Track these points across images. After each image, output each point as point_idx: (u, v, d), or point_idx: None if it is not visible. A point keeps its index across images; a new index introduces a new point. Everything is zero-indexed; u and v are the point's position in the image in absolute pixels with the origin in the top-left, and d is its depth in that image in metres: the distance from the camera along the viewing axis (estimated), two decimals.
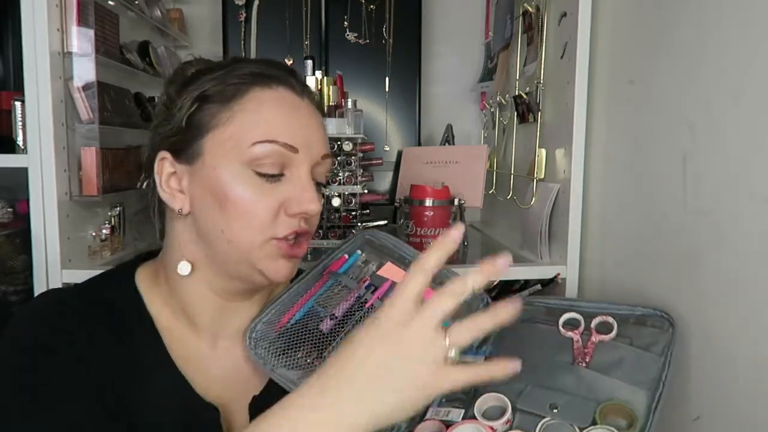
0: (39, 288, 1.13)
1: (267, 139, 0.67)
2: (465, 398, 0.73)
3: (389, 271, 0.83)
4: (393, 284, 0.80)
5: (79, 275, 1.15)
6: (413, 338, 0.51)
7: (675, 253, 0.78)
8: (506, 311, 0.54)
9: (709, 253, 0.71)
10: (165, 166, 0.71)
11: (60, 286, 1.13)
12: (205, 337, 0.75)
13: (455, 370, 0.52)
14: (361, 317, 0.77)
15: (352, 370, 0.52)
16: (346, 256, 0.83)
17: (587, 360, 0.74)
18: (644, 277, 0.87)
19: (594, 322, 0.78)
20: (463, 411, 0.71)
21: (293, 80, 0.72)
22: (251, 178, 0.67)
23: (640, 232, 0.88)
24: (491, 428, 0.68)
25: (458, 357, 0.51)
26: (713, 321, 0.70)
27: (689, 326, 0.75)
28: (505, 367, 0.54)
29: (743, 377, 0.65)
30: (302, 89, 0.72)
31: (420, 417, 0.72)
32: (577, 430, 0.67)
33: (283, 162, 0.68)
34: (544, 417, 0.69)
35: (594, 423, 0.67)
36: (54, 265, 1.13)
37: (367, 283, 0.80)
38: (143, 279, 0.75)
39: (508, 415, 0.69)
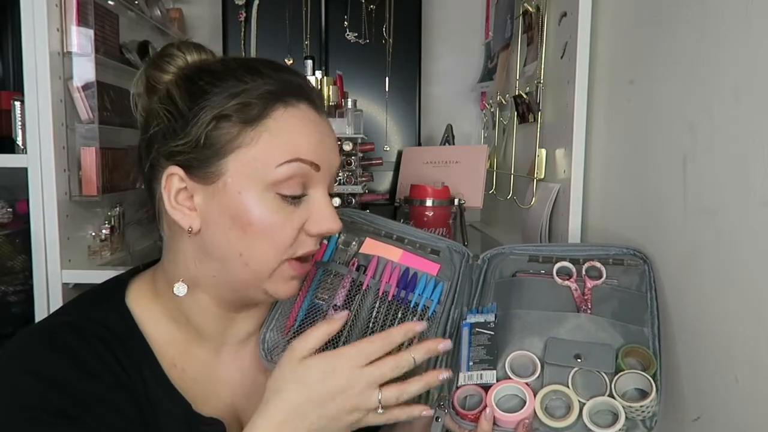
0: (39, 288, 1.13)
1: (292, 158, 0.66)
2: (491, 359, 0.74)
3: (371, 246, 0.84)
4: (380, 259, 0.82)
5: (79, 275, 1.16)
6: (358, 392, 0.63)
7: (675, 253, 0.78)
8: (435, 378, 0.66)
9: (709, 253, 0.71)
10: (174, 181, 0.67)
11: (60, 286, 1.14)
12: (209, 347, 0.75)
13: (378, 417, 0.65)
14: (361, 300, 0.78)
15: (308, 408, 0.63)
16: (325, 242, 0.83)
17: (589, 306, 0.77)
18: None
19: (584, 268, 0.81)
20: (495, 371, 0.73)
21: (313, 95, 0.71)
22: (275, 202, 0.66)
23: (640, 232, 0.88)
24: (527, 384, 0.71)
25: (381, 409, 0.64)
26: (713, 321, 0.70)
27: (689, 325, 0.75)
28: (417, 408, 0.67)
29: (743, 377, 0.65)
30: (320, 103, 0.72)
31: (455, 383, 0.74)
32: (605, 376, 0.70)
33: (305, 181, 0.67)
34: (570, 367, 0.71)
35: (618, 368, 0.71)
36: (54, 265, 1.13)
37: (356, 265, 0.81)
38: (136, 295, 0.73)
39: (539, 370, 0.72)
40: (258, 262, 0.67)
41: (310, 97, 0.70)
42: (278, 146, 0.66)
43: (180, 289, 0.70)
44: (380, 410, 0.64)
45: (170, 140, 0.67)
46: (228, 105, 0.65)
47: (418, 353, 0.66)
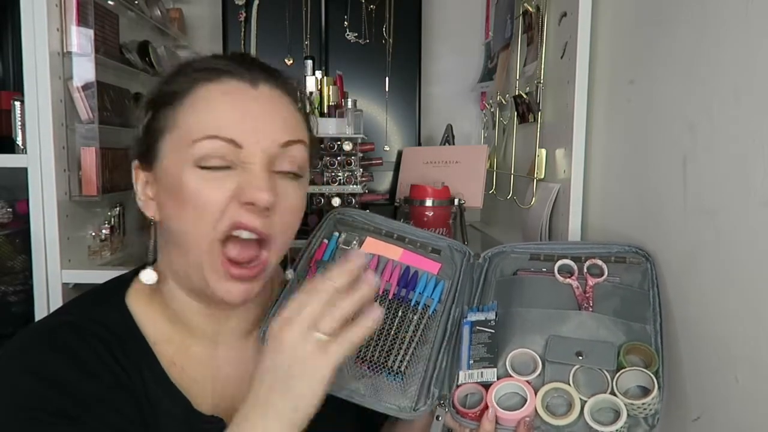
0: (39, 288, 1.13)
1: (208, 135, 0.64)
2: (492, 357, 0.74)
3: (372, 245, 0.83)
4: (380, 258, 0.81)
5: (79, 275, 1.16)
6: (290, 343, 0.58)
7: (675, 253, 0.78)
8: (363, 292, 0.60)
9: (709, 253, 0.71)
10: (139, 175, 0.71)
11: (60, 286, 1.14)
12: (206, 345, 0.74)
13: (333, 346, 0.58)
14: None
15: (264, 391, 0.59)
16: (326, 241, 0.83)
17: (591, 304, 0.76)
18: None
19: (586, 266, 0.80)
20: (495, 369, 0.72)
21: (243, 69, 0.68)
22: (202, 174, 0.65)
23: (640, 232, 0.88)
24: (528, 382, 0.71)
25: (326, 338, 0.58)
26: (713, 321, 0.70)
27: (691, 323, 0.75)
28: (367, 321, 0.59)
29: (743, 377, 0.65)
30: (255, 77, 0.68)
31: (455, 382, 0.73)
32: (606, 374, 0.70)
33: (229, 157, 0.65)
34: (571, 365, 0.71)
35: (620, 365, 0.70)
36: (54, 265, 1.13)
37: None
38: (137, 295, 0.74)
39: (539, 368, 0.72)
40: (193, 236, 0.66)
41: (238, 73, 0.68)
42: (195, 123, 0.66)
43: (147, 276, 0.71)
44: (322, 336, 0.57)
45: (133, 139, 0.72)
46: (158, 91, 0.70)
47: (334, 275, 0.60)
